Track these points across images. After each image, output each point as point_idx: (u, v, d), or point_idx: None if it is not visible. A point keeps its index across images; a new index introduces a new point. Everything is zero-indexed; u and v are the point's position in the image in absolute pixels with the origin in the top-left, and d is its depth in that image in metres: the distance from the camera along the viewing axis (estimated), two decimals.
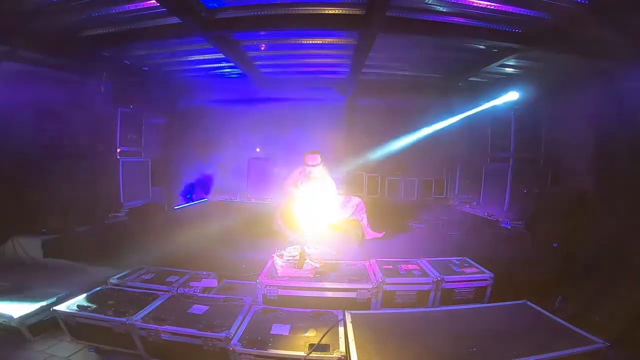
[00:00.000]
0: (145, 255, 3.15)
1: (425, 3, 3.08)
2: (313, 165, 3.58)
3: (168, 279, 2.70)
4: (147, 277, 2.76)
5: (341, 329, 1.96)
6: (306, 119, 6.49)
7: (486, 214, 5.36)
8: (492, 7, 3.06)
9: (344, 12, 3.27)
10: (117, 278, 2.70)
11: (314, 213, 3.61)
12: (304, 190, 3.69)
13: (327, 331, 1.92)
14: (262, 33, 3.92)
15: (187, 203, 6.28)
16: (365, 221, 3.71)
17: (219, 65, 4.94)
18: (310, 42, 4.09)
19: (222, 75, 5.39)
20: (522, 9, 3.07)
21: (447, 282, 2.51)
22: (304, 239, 3.56)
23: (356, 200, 3.73)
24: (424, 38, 3.78)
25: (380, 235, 3.68)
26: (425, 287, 2.50)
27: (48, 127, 3.76)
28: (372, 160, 6.60)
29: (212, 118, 6.46)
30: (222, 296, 2.43)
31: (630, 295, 2.43)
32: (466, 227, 4.66)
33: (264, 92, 5.91)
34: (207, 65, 4.99)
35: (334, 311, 2.17)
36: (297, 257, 2.52)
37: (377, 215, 3.97)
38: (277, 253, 2.61)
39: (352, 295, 2.39)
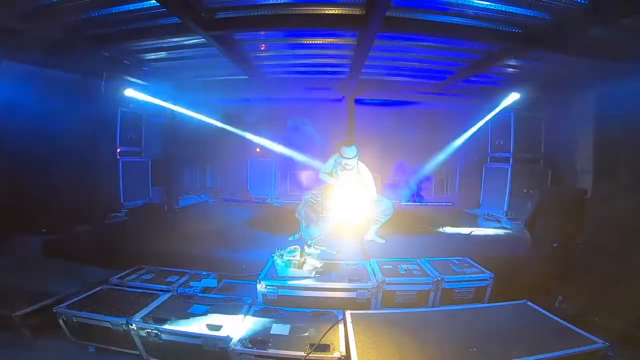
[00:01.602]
0: (145, 255, 3.15)
1: (425, 3, 3.08)
2: (349, 158, 3.42)
3: (168, 279, 2.70)
4: (147, 277, 2.76)
5: (341, 329, 1.96)
6: (306, 118, 6.50)
7: (486, 214, 5.36)
8: (492, 7, 3.06)
9: (344, 12, 3.27)
10: (117, 278, 2.70)
11: (346, 206, 3.47)
12: (339, 180, 3.53)
13: (327, 331, 1.92)
14: (262, 33, 3.91)
15: (187, 203, 6.29)
16: (379, 224, 3.66)
17: (219, 65, 4.94)
18: (310, 42, 4.09)
19: (222, 75, 5.39)
20: (522, 9, 3.07)
21: (447, 282, 2.51)
22: (312, 233, 3.50)
23: (389, 202, 3.64)
24: (423, 38, 3.78)
25: (381, 241, 3.67)
26: (425, 287, 2.50)
27: (48, 127, 3.76)
28: (372, 160, 6.61)
29: (212, 118, 6.46)
30: (222, 296, 2.43)
31: (630, 295, 2.43)
32: (466, 227, 4.66)
33: (264, 92, 5.91)
34: (207, 65, 4.99)
35: (334, 311, 2.17)
36: (297, 257, 2.52)
37: None
38: (277, 253, 2.61)
39: (352, 295, 2.39)
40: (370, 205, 3.57)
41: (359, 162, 3.53)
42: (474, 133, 5.94)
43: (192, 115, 6.02)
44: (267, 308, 2.25)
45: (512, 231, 4.45)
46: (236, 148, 6.76)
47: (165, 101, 5.50)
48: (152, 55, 4.54)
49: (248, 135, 6.57)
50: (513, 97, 5.00)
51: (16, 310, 2.14)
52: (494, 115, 5.39)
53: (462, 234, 4.27)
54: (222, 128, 6.49)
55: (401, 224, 4.55)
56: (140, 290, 2.46)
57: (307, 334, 1.92)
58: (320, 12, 3.28)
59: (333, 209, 3.52)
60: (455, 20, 3.30)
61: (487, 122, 5.59)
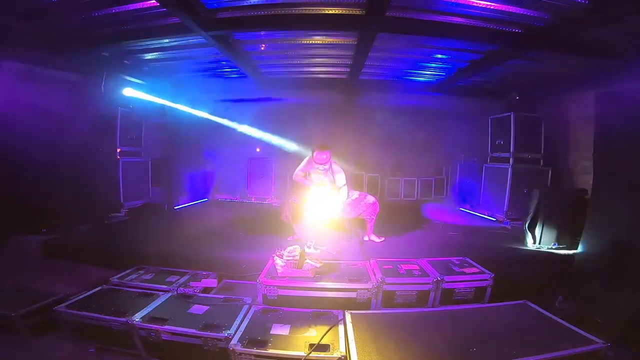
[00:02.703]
0: (145, 255, 3.15)
1: (425, 3, 3.09)
2: (322, 163, 3.43)
3: (168, 279, 2.70)
4: (147, 277, 2.76)
5: (341, 329, 1.96)
6: (306, 118, 6.50)
7: (486, 213, 5.36)
8: (492, 7, 3.06)
9: (344, 12, 3.27)
10: (117, 278, 2.70)
11: (322, 207, 3.50)
12: (314, 182, 3.57)
13: (327, 331, 1.92)
14: (262, 33, 3.92)
15: (187, 203, 6.29)
16: (372, 223, 3.67)
17: (219, 65, 4.94)
18: (310, 42, 4.09)
19: (222, 75, 5.40)
20: (522, 9, 3.07)
21: (447, 282, 2.51)
22: (307, 234, 3.51)
23: (371, 199, 3.64)
24: (423, 38, 3.78)
25: (380, 240, 3.67)
26: (425, 287, 2.50)
27: (48, 127, 3.76)
28: (372, 160, 6.63)
29: (212, 118, 6.46)
30: (222, 296, 2.43)
31: (631, 295, 2.43)
32: (466, 227, 4.66)
33: (264, 92, 5.91)
34: (207, 65, 5.00)
35: (334, 311, 2.17)
36: (297, 257, 2.52)
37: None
38: (277, 253, 2.61)
39: (352, 295, 2.39)
40: (356, 205, 3.58)
41: (333, 164, 3.54)
42: (474, 132, 5.95)
43: (191, 116, 6.02)
44: (267, 308, 2.25)
45: (512, 231, 4.45)
46: (236, 148, 6.75)
47: (165, 101, 5.51)
48: (152, 55, 4.55)
49: (248, 132, 6.56)
50: (512, 96, 5.00)
51: (16, 310, 2.15)
52: (494, 114, 5.39)
53: (462, 234, 4.27)
54: (221, 128, 6.48)
55: (401, 223, 4.56)
56: (140, 290, 2.47)
57: (307, 334, 1.92)
58: (320, 12, 3.28)
59: (314, 211, 3.52)
60: (455, 20, 3.30)
61: (487, 122, 5.59)
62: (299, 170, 3.65)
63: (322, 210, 3.50)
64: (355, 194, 3.67)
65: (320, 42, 4.08)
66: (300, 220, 3.59)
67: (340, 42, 4.09)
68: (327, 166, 3.46)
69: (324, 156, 3.42)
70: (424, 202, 6.62)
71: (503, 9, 3.08)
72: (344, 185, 3.55)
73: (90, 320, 2.07)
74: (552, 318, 2.12)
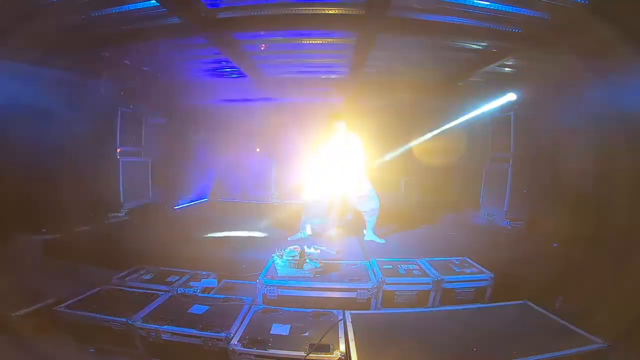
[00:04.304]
0: (145, 255, 3.15)
1: (426, 3, 3.09)
2: (338, 132, 3.49)
3: (168, 279, 2.70)
4: (147, 277, 2.76)
5: (341, 329, 1.96)
6: (306, 118, 6.50)
7: (486, 214, 5.36)
8: (492, 7, 3.06)
9: (344, 12, 3.27)
10: (117, 278, 2.70)
11: (334, 181, 3.51)
12: (330, 154, 3.57)
13: (327, 331, 1.92)
14: (262, 33, 3.92)
15: (187, 203, 6.29)
16: (373, 223, 3.67)
17: (219, 65, 4.94)
18: (310, 42, 4.09)
19: (222, 75, 5.39)
20: (522, 9, 3.07)
21: (447, 282, 2.51)
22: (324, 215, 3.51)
23: (378, 202, 3.64)
24: (423, 38, 3.78)
25: (381, 241, 3.66)
26: (425, 287, 2.50)
27: (48, 127, 3.76)
28: (372, 160, 6.62)
29: (212, 118, 6.47)
30: (222, 296, 2.44)
31: (630, 295, 2.43)
32: (466, 227, 4.67)
33: (264, 92, 5.90)
34: (207, 65, 4.99)
35: (334, 311, 2.17)
36: (297, 257, 2.52)
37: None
38: (277, 253, 2.61)
39: (352, 295, 2.39)
40: (362, 200, 3.58)
41: (350, 135, 3.57)
42: (474, 133, 5.94)
43: (191, 116, 6.02)
44: (267, 308, 2.25)
45: (512, 231, 4.45)
46: (236, 148, 6.75)
47: (165, 101, 5.50)
48: (152, 55, 4.54)
49: (247, 132, 6.57)
50: (512, 96, 5.00)
51: (16, 310, 2.15)
52: (494, 114, 5.38)
53: (462, 234, 4.27)
54: (221, 128, 6.49)
55: (401, 223, 4.55)
56: (140, 290, 2.47)
57: (307, 334, 1.92)
58: (320, 12, 3.28)
59: (325, 185, 3.52)
60: (455, 20, 3.30)
61: (487, 122, 5.58)
62: (316, 144, 3.67)
63: (334, 185, 3.51)
64: (367, 189, 3.63)
65: (320, 42, 4.08)
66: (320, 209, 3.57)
67: (340, 42, 4.08)
68: (343, 135, 3.46)
69: (340, 124, 3.45)
70: (424, 202, 6.64)
71: (503, 9, 3.08)
72: (361, 153, 3.56)
73: (90, 320, 2.07)
74: (552, 318, 2.12)
